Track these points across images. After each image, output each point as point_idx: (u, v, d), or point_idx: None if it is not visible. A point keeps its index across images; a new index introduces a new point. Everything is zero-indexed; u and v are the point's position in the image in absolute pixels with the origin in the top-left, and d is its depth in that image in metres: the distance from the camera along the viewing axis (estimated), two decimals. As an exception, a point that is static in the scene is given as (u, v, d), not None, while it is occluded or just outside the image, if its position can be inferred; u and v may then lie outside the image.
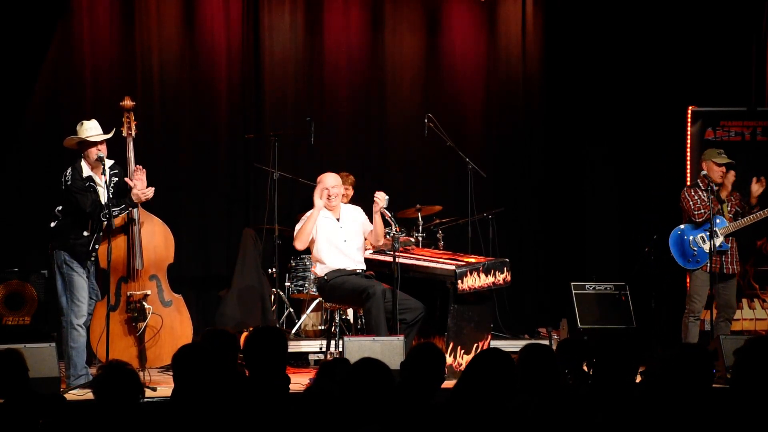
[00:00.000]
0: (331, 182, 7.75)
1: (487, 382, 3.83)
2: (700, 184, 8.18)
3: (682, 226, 8.30)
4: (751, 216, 8.14)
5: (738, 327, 8.91)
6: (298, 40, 9.88)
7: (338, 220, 7.76)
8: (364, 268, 7.80)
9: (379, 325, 7.30)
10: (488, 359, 3.94)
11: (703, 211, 8.09)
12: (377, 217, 7.65)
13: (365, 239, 8.01)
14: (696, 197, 8.15)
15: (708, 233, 8.06)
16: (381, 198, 7.55)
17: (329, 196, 7.70)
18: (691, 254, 8.21)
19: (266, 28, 9.78)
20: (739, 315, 8.91)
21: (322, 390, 3.77)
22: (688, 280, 8.70)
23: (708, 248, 8.08)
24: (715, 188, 8.13)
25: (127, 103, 7.44)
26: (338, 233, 7.73)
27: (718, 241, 8.11)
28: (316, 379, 4.34)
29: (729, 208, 8.21)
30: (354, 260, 7.74)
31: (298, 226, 7.74)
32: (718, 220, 8.11)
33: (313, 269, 7.96)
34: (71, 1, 9.19)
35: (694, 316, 8.22)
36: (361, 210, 7.87)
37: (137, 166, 7.28)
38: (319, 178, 7.85)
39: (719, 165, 8.17)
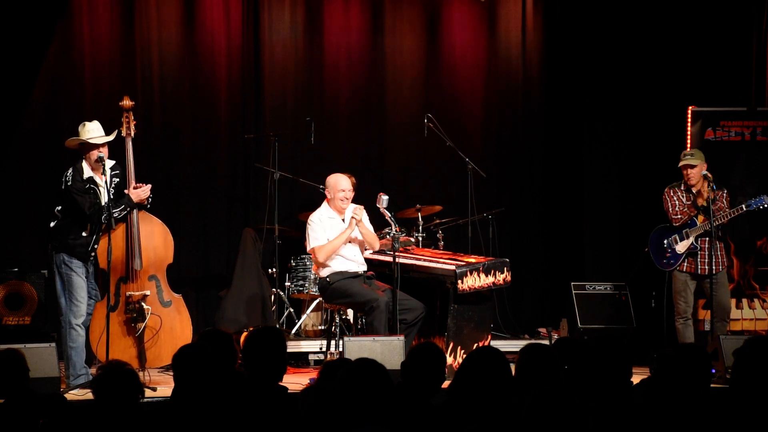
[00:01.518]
0: (346, 185, 7.72)
1: (481, 381, 3.83)
2: (682, 186, 8.23)
3: (660, 226, 8.37)
4: (716, 218, 8.11)
5: (738, 327, 8.91)
6: (298, 40, 9.88)
7: (344, 221, 7.75)
8: (366, 268, 7.79)
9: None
10: (480, 358, 3.95)
11: (680, 216, 8.16)
12: (363, 230, 7.65)
13: None
14: (675, 199, 8.21)
15: (681, 234, 8.15)
16: (356, 211, 7.54)
17: (342, 199, 7.67)
18: (665, 255, 8.26)
19: (266, 28, 9.78)
20: (739, 315, 8.91)
21: (321, 390, 3.76)
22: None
23: (680, 249, 8.14)
24: (693, 189, 8.19)
25: (126, 102, 7.44)
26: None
27: (689, 242, 8.15)
28: (318, 379, 4.34)
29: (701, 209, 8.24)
30: (357, 262, 7.74)
31: (320, 239, 7.64)
32: (690, 222, 8.18)
33: (314, 268, 7.94)
34: (71, 1, 9.19)
35: (683, 317, 8.25)
36: (365, 211, 7.85)
37: (139, 184, 7.27)
38: (333, 181, 7.76)
39: (680, 167, 8.24)
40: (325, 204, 7.81)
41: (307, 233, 7.74)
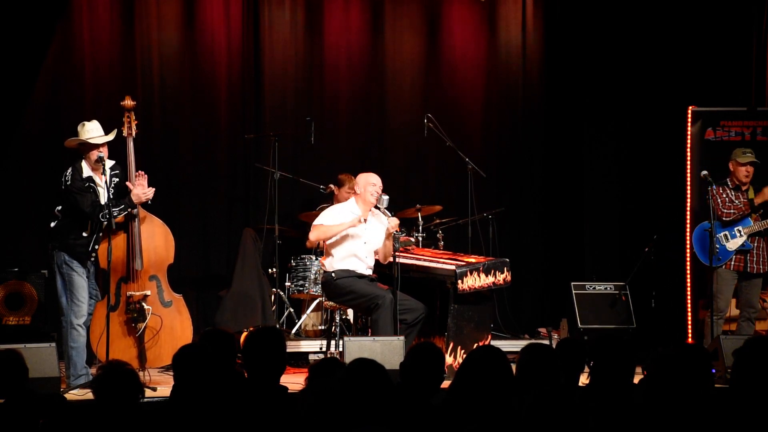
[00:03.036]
0: (377, 181, 7.66)
1: (482, 380, 3.84)
2: (729, 183, 8.22)
3: (707, 224, 8.32)
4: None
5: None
6: (298, 40, 9.88)
7: (365, 220, 7.73)
8: (371, 273, 7.76)
9: (386, 335, 7.27)
10: (482, 357, 3.95)
11: (733, 211, 8.11)
12: (388, 242, 7.62)
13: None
14: (724, 195, 8.17)
15: (732, 232, 8.10)
16: (392, 224, 7.52)
17: (372, 194, 7.63)
18: (713, 251, 8.21)
19: (266, 28, 9.78)
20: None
21: (320, 390, 3.76)
22: (688, 277, 8.71)
23: (731, 247, 8.12)
24: (743, 188, 8.18)
25: (128, 102, 7.44)
26: (362, 233, 7.67)
27: (741, 240, 8.13)
28: (307, 380, 4.33)
29: (759, 209, 8.22)
30: (366, 264, 7.70)
31: (323, 221, 7.65)
32: (742, 220, 8.15)
33: (322, 259, 7.91)
34: (71, 1, 9.19)
35: (718, 315, 8.18)
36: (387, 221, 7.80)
37: (139, 171, 7.27)
38: (364, 177, 7.73)
39: (742, 164, 8.22)
40: (352, 199, 7.80)
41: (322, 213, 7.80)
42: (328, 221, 7.64)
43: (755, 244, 8.20)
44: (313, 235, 7.68)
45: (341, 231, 7.57)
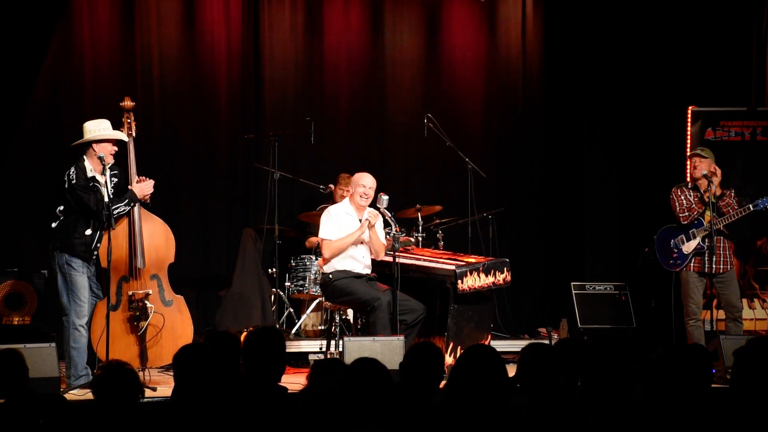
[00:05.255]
0: (367, 182, 7.64)
1: (475, 379, 3.84)
2: (689, 184, 8.19)
3: (666, 227, 8.31)
4: (724, 218, 8.06)
5: (738, 327, 8.89)
6: (298, 40, 9.89)
7: (360, 221, 7.71)
8: (370, 272, 7.75)
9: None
10: (473, 356, 3.95)
11: (687, 213, 8.10)
12: (373, 236, 7.61)
13: None
14: (682, 198, 8.15)
15: (688, 234, 8.07)
16: (375, 213, 7.51)
17: (362, 195, 7.62)
18: (672, 255, 8.19)
19: (266, 28, 9.79)
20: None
21: (320, 390, 3.76)
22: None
23: (686, 250, 8.09)
24: (701, 187, 8.12)
25: (127, 103, 7.44)
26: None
27: (695, 242, 8.08)
28: (309, 379, 4.33)
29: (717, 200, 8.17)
30: (363, 264, 7.69)
31: (329, 235, 7.60)
32: (696, 222, 8.11)
33: (320, 262, 7.91)
34: (71, 1, 9.19)
35: (692, 318, 8.17)
36: (381, 216, 7.77)
37: (141, 177, 7.28)
38: (356, 177, 7.71)
39: (689, 157, 8.24)
40: (346, 200, 7.80)
41: (320, 221, 7.74)
42: (333, 234, 7.58)
43: (717, 244, 8.09)
44: (327, 253, 7.59)
45: (352, 242, 7.56)
